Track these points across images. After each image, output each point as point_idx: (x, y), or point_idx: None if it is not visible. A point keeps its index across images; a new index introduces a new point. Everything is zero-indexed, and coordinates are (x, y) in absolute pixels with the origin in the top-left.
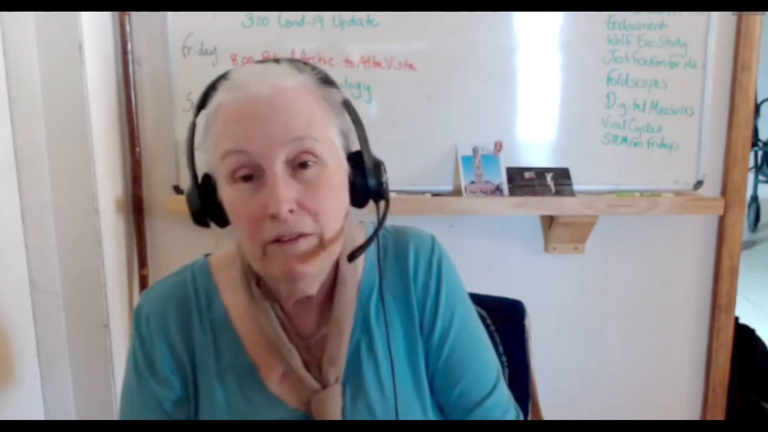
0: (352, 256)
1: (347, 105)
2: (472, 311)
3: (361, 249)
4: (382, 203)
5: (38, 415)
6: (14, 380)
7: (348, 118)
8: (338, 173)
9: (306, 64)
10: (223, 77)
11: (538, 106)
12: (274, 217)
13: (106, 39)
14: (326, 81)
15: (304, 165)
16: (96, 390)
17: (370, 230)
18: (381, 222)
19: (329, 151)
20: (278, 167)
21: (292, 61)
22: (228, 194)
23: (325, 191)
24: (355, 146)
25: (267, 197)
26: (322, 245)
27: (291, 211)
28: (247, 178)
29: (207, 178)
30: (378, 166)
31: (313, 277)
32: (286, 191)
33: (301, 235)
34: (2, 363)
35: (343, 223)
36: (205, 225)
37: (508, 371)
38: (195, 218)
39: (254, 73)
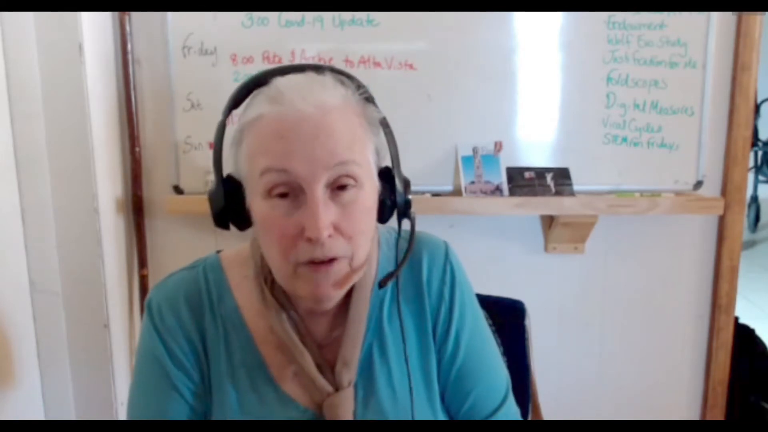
0: (383, 284)
1: (384, 124)
2: (483, 319)
3: (391, 276)
4: (407, 221)
5: (38, 415)
6: (14, 380)
7: (383, 137)
8: (372, 194)
9: (349, 77)
10: (261, 82)
11: (538, 106)
12: (311, 241)
13: (106, 39)
14: (368, 99)
15: (342, 187)
16: (96, 390)
17: (384, 234)
18: (410, 243)
19: (367, 173)
20: (319, 190)
21: (333, 70)
22: (262, 208)
23: (361, 214)
24: (385, 161)
25: (305, 219)
26: (352, 269)
27: (329, 236)
28: (283, 195)
29: (230, 178)
30: (407, 185)
31: (339, 297)
32: (326, 216)
33: (334, 259)
34: (2, 363)
35: (372, 243)
36: (225, 227)
37: (508, 371)
38: (217, 220)
39: (298, 86)
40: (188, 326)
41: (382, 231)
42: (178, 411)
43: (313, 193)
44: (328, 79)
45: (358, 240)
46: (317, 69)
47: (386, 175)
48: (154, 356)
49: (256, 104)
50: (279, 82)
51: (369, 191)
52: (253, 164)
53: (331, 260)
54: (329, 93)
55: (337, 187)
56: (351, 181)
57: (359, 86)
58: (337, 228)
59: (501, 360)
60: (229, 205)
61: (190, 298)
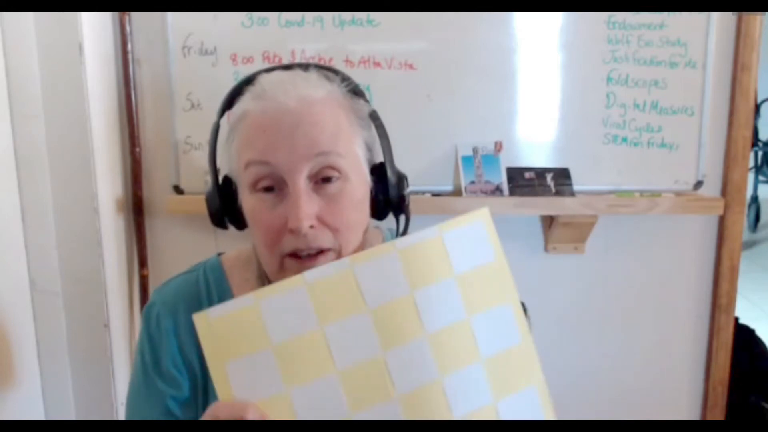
0: None
1: (374, 117)
2: None
3: None
4: (402, 218)
5: (38, 415)
6: (14, 380)
7: (374, 131)
8: (361, 188)
9: (335, 72)
10: (249, 82)
11: (538, 106)
12: (293, 232)
13: (106, 39)
14: (355, 92)
15: (327, 179)
16: (96, 390)
17: (387, 236)
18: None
19: (353, 166)
20: (301, 181)
21: (320, 68)
22: (249, 202)
23: (347, 207)
24: (379, 157)
25: (288, 211)
26: None
27: (311, 226)
28: (268, 189)
29: (227, 179)
30: (401, 180)
31: None
32: (307, 206)
33: (320, 252)
34: (2, 363)
35: (362, 238)
36: (223, 226)
37: None
38: (214, 219)
39: (282, 82)
40: (183, 333)
41: (386, 236)
42: (158, 416)
43: (294, 184)
44: (312, 75)
45: (345, 233)
46: (303, 67)
47: (380, 171)
48: (144, 364)
49: (243, 102)
50: (263, 79)
51: (357, 184)
52: (239, 159)
53: (317, 254)
54: (312, 87)
55: (322, 180)
56: (335, 173)
57: (344, 79)
58: (321, 220)
59: None
60: (225, 204)
61: (188, 302)
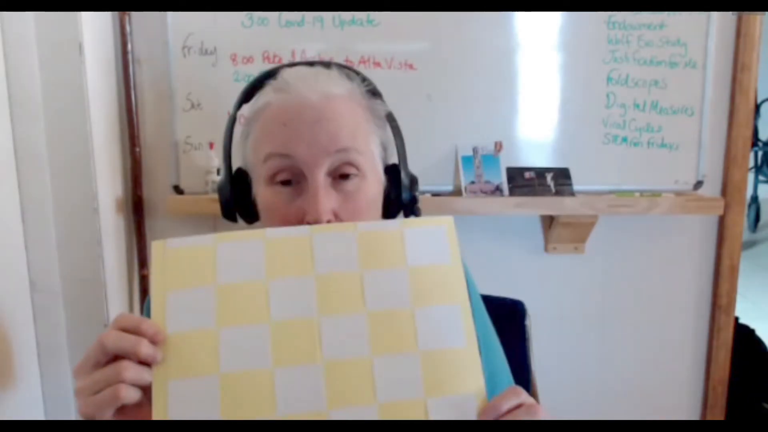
0: None
1: (390, 118)
2: (491, 327)
3: None
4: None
5: (38, 415)
6: (14, 380)
7: (389, 132)
8: (376, 186)
9: (356, 72)
10: (271, 76)
11: (538, 106)
12: (311, 225)
13: (106, 39)
14: (374, 93)
15: (345, 176)
16: None
17: None
18: None
19: (370, 164)
20: (321, 175)
21: (342, 67)
22: (265, 195)
23: (363, 204)
24: (393, 159)
25: (306, 205)
26: None
27: (329, 221)
28: (286, 182)
29: (240, 171)
30: (414, 182)
31: None
32: (326, 201)
33: None
34: (2, 363)
35: None
36: (233, 219)
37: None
38: (224, 212)
39: (305, 76)
40: None
41: None
42: None
43: (314, 178)
44: (334, 72)
45: None
46: (325, 64)
47: (393, 172)
48: None
49: (264, 95)
50: (286, 73)
51: (372, 183)
52: (257, 151)
53: None
54: (334, 84)
55: (340, 176)
56: (353, 170)
57: (364, 79)
58: (338, 216)
59: (506, 363)
60: (237, 196)
61: None
